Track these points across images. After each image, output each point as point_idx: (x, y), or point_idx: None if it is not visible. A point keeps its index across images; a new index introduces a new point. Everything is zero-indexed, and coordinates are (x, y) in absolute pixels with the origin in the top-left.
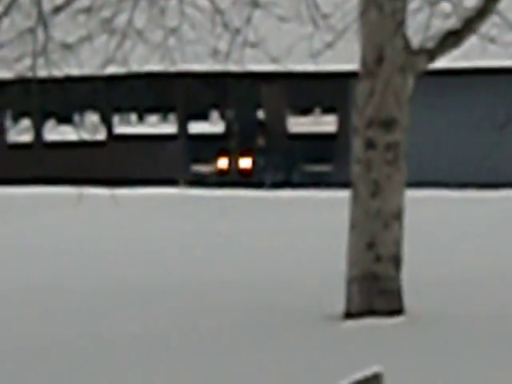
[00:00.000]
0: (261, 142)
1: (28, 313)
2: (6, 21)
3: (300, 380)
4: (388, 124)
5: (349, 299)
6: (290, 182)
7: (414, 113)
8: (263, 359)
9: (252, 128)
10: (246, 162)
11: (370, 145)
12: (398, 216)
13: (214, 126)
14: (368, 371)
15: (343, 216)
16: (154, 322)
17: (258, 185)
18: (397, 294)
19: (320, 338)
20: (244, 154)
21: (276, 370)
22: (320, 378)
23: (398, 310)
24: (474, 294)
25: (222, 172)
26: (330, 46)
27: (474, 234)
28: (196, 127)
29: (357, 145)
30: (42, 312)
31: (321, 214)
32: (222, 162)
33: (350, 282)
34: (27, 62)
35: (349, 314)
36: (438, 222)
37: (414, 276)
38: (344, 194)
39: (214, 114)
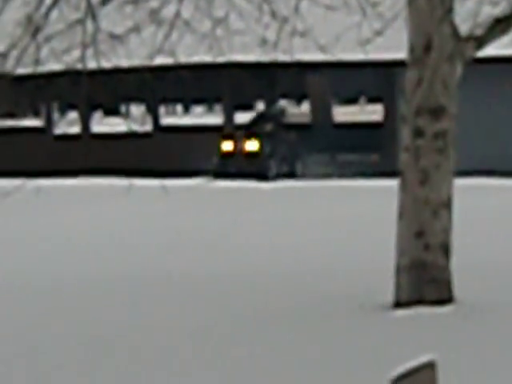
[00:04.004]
0: (268, 127)
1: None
2: (55, 13)
3: (353, 367)
4: (436, 112)
5: (398, 288)
6: (334, 171)
7: (463, 101)
8: (314, 346)
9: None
10: (252, 145)
11: (418, 133)
12: (447, 204)
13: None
14: (421, 359)
15: (390, 205)
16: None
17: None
18: (446, 283)
19: (371, 327)
20: (250, 137)
21: (327, 357)
22: (373, 366)
23: (447, 299)
24: None
25: (227, 154)
26: (379, 33)
27: None
28: (242, 118)
29: (405, 133)
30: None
31: (368, 203)
32: (227, 145)
33: (399, 271)
34: (76, 53)
35: (398, 303)
36: (487, 211)
37: (464, 264)
38: (390, 183)
39: (260, 105)
